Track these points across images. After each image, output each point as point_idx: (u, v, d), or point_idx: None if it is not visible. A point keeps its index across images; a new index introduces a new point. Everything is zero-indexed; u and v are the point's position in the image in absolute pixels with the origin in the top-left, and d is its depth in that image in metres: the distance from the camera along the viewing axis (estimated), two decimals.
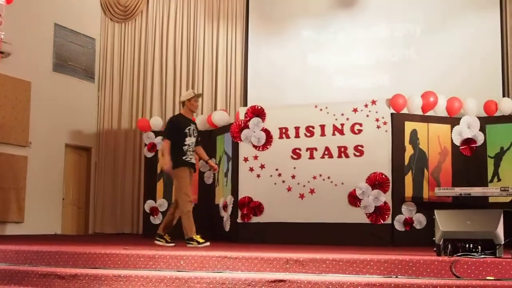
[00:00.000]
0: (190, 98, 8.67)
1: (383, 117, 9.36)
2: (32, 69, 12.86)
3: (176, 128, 8.54)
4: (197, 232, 8.29)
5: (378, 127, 9.36)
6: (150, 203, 11.68)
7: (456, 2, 12.21)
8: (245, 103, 13.24)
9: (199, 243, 8.15)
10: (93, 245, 7.92)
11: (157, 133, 11.83)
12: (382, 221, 9.18)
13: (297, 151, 9.78)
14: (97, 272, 5.82)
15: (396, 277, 5.29)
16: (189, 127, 8.57)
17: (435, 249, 5.90)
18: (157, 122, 12.04)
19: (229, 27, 13.91)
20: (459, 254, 5.65)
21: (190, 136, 8.55)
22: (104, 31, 14.76)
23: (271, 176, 9.87)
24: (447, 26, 12.13)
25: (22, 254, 6.65)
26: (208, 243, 8.15)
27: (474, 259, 5.35)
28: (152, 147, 11.77)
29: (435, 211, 6.08)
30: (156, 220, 11.57)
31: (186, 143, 8.48)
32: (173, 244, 8.31)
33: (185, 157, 8.45)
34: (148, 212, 11.68)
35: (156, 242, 8.41)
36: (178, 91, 13.97)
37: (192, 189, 8.76)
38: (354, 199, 9.33)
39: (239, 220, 9.96)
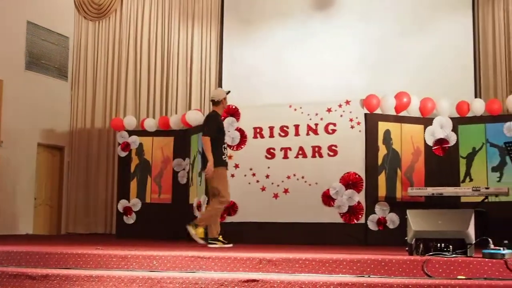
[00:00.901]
0: (224, 98, 8.59)
1: (356, 117, 9.41)
2: (4, 68, 12.72)
3: (218, 127, 8.46)
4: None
5: (352, 127, 9.40)
6: (123, 202, 11.61)
7: (430, 5, 12.35)
8: None
9: (224, 243, 8.19)
10: (65, 245, 7.85)
11: (130, 132, 11.77)
12: (355, 221, 9.23)
13: (272, 150, 9.79)
14: (69, 272, 5.76)
15: (369, 276, 5.30)
16: (224, 127, 8.61)
17: (407, 248, 5.94)
18: (131, 121, 11.97)
19: (204, 27, 13.90)
20: (430, 253, 5.68)
21: (224, 135, 8.59)
22: (78, 29, 14.65)
23: (245, 175, 9.87)
24: (421, 28, 12.26)
25: None
26: (231, 244, 8.16)
27: (445, 259, 5.38)
28: (126, 146, 11.70)
29: (407, 211, 6.11)
30: (129, 220, 11.51)
31: (224, 141, 8.50)
32: (230, 245, 8.19)
33: (224, 156, 8.42)
34: (122, 212, 11.61)
35: (209, 246, 8.23)
36: (152, 90, 13.92)
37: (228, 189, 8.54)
38: (328, 199, 9.37)
39: None
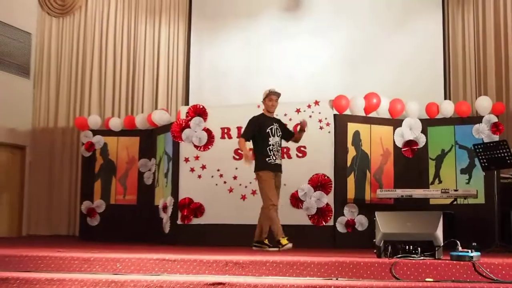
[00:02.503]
0: (264, 98, 8.40)
1: (326, 118, 9.45)
2: None
3: (256, 128, 8.30)
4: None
5: (321, 128, 9.44)
6: (87, 204, 11.51)
7: (401, 8, 12.48)
8: (186, 102, 13.19)
9: (282, 246, 7.94)
10: (26, 247, 7.76)
11: (95, 132, 11.68)
12: (324, 223, 9.26)
13: (239, 151, 9.77)
14: (29, 275, 5.69)
15: (337, 279, 5.33)
16: (271, 127, 8.33)
17: (375, 251, 5.97)
18: (95, 121, 11.88)
19: (172, 24, 13.85)
20: (399, 256, 5.72)
21: (273, 136, 8.31)
22: (41, 26, 14.45)
23: (212, 176, 9.85)
24: (392, 31, 12.39)
25: None
26: (290, 245, 7.93)
27: (413, 261, 5.43)
28: (90, 146, 11.60)
29: (376, 213, 6.15)
30: (93, 221, 11.41)
31: (270, 143, 8.25)
32: (276, 249, 7.97)
33: (268, 158, 8.21)
34: (85, 213, 11.51)
35: (254, 248, 8.19)
36: (117, 88, 13.82)
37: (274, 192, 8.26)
38: (296, 201, 9.38)
39: (179, 221, 9.91)
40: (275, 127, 8.38)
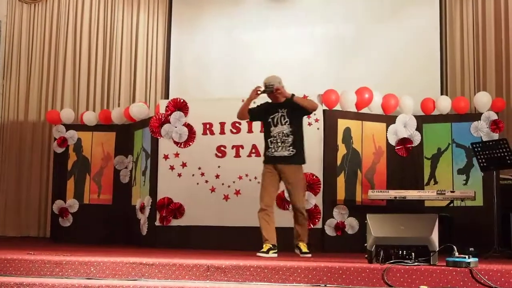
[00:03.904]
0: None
1: (314, 114, 9.38)
2: None
3: (259, 115, 8.17)
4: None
5: (309, 124, 9.42)
6: (59, 203, 11.47)
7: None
8: (166, 95, 13.16)
9: (264, 251, 7.72)
10: None
11: (68, 126, 11.63)
12: (312, 226, 9.25)
13: (222, 148, 9.78)
14: None
15: (325, 285, 5.35)
16: (274, 115, 8.00)
17: (366, 256, 5.99)
18: (68, 114, 11.83)
19: (151, 10, 13.79)
20: (391, 261, 5.74)
21: (275, 125, 7.97)
22: (11, 12, 14.34)
23: (193, 175, 9.84)
24: (385, 21, 12.31)
25: None
26: (275, 255, 7.66)
27: (407, 267, 5.45)
28: (63, 141, 11.55)
29: (367, 215, 6.16)
30: (65, 222, 11.37)
31: (271, 134, 7.99)
32: (309, 255, 7.71)
33: (267, 151, 8.01)
34: (57, 213, 11.47)
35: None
36: (92, 80, 13.74)
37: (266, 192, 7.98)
38: (282, 202, 9.37)
39: (157, 223, 9.89)
40: (279, 114, 8.01)
